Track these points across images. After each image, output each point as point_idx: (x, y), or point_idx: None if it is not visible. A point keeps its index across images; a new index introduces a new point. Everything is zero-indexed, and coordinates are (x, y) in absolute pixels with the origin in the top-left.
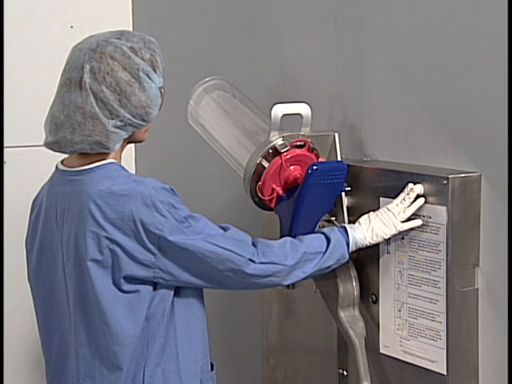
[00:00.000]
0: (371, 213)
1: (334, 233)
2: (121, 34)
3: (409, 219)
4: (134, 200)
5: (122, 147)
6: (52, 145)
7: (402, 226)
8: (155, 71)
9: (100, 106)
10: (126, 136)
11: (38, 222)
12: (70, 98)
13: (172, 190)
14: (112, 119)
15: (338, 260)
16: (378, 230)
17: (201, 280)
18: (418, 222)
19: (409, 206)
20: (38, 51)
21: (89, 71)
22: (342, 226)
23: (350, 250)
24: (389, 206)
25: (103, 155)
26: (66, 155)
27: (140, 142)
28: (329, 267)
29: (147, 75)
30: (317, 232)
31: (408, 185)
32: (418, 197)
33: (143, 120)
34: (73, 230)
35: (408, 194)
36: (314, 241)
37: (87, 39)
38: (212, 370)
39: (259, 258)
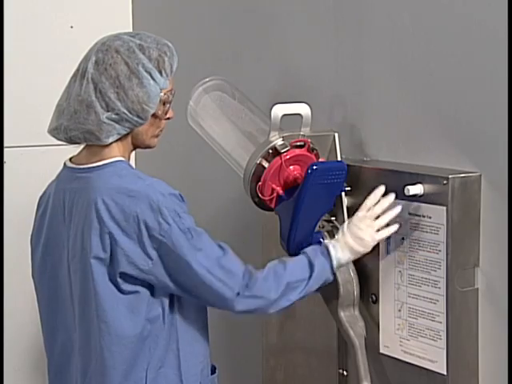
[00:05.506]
0: (345, 229)
1: (317, 259)
2: (136, 34)
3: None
4: (141, 203)
5: (129, 148)
6: (52, 131)
7: (379, 235)
8: (161, 72)
9: (98, 96)
10: (123, 132)
11: (44, 218)
12: (74, 86)
13: (180, 196)
14: (108, 111)
15: (324, 282)
16: (357, 248)
17: (188, 295)
18: (394, 228)
19: (382, 212)
20: (38, 51)
21: (94, 62)
22: (325, 247)
23: (335, 269)
24: (358, 221)
25: (111, 152)
26: (74, 152)
27: (148, 147)
28: (314, 290)
29: (149, 73)
30: (303, 253)
31: (375, 190)
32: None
33: (139, 117)
34: (79, 227)
35: (376, 200)
36: (297, 268)
37: (108, 36)
38: (213, 373)
39: (244, 292)
